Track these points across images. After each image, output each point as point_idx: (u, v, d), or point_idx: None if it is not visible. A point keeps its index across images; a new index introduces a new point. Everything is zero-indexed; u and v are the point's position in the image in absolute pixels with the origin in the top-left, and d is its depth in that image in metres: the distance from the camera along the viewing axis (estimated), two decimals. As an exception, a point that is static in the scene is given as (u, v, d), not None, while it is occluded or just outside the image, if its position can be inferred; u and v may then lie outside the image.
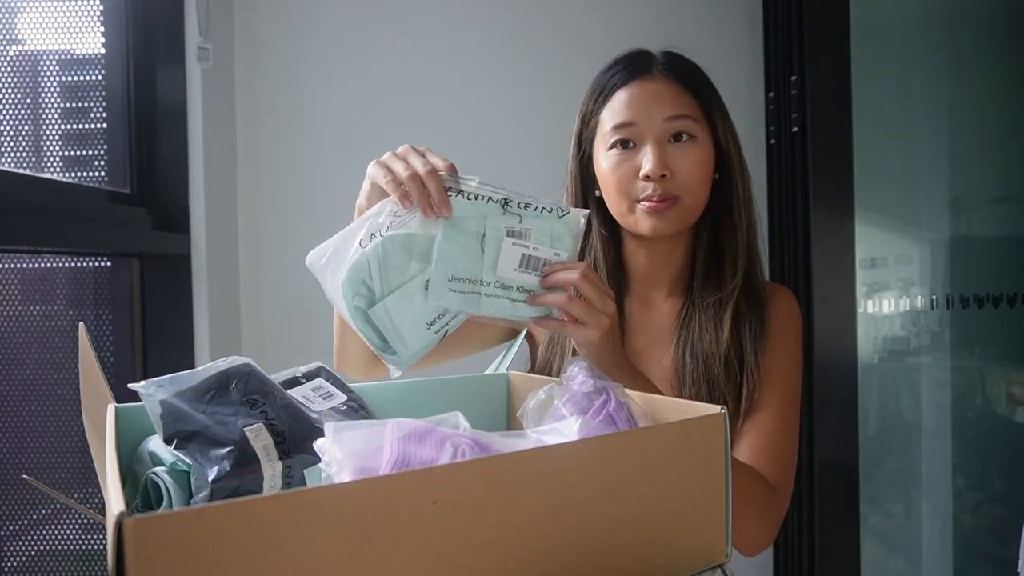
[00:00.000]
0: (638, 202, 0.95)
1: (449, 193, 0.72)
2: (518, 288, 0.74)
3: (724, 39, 1.91)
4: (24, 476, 0.68)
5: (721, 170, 1.00)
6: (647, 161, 0.92)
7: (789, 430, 0.98)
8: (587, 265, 0.76)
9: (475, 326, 1.06)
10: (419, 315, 0.72)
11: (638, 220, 0.96)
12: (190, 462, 0.57)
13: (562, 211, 0.75)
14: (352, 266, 0.70)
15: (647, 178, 0.93)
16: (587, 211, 0.77)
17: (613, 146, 0.96)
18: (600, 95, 0.98)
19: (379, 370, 1.02)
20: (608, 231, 1.03)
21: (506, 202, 0.73)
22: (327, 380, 0.74)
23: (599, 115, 0.98)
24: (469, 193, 0.73)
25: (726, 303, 0.97)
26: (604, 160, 0.97)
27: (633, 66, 0.97)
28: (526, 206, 0.74)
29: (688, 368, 0.96)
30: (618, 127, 0.95)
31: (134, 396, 0.61)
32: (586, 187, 1.03)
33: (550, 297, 0.74)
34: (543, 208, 0.74)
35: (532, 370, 1.07)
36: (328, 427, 0.52)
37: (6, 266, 1.37)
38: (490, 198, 0.73)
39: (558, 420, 0.64)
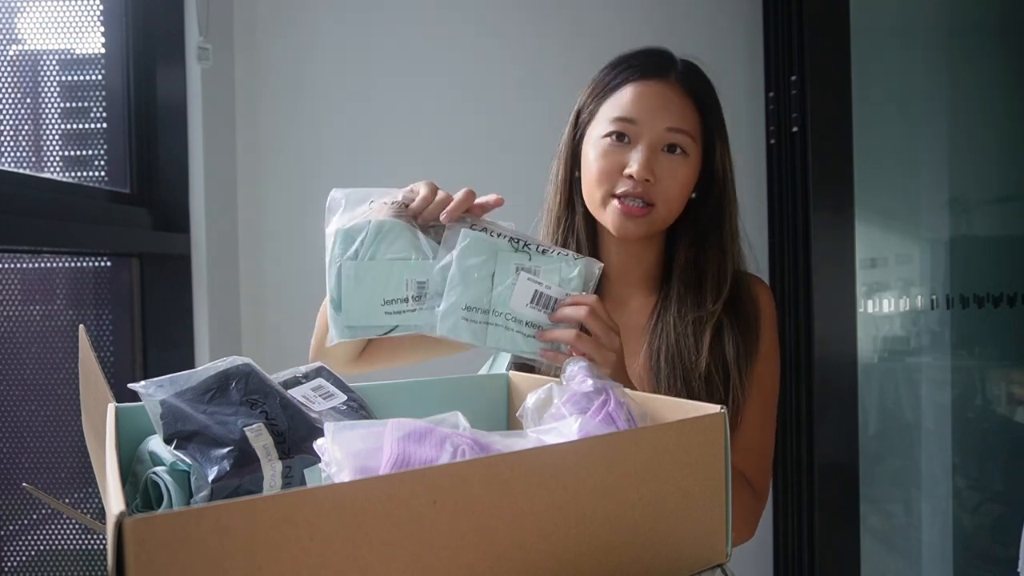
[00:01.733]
0: (614, 196, 0.95)
1: (473, 228, 0.76)
2: (528, 323, 0.77)
3: (724, 39, 1.91)
4: (24, 485, 0.68)
5: (708, 192, 1.00)
6: (635, 162, 0.93)
7: (769, 436, 1.01)
8: (596, 300, 0.77)
9: None
10: (381, 291, 0.74)
11: (607, 215, 0.96)
12: (190, 462, 0.57)
13: (575, 257, 0.78)
14: (354, 222, 0.75)
15: (630, 177, 0.93)
16: (601, 264, 0.79)
17: (608, 135, 0.95)
18: (611, 83, 0.98)
19: (356, 368, 1.02)
20: (589, 217, 1.03)
21: (519, 242, 0.77)
22: (327, 380, 0.74)
23: (604, 102, 0.98)
24: (490, 230, 0.77)
25: (706, 322, 0.97)
26: (594, 146, 0.97)
27: (653, 64, 0.97)
28: (540, 249, 0.77)
29: (664, 374, 0.97)
30: (619, 119, 0.95)
31: (134, 396, 0.61)
32: (574, 166, 1.03)
33: (559, 333, 0.76)
34: (556, 252, 0.78)
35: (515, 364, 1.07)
36: (328, 427, 0.52)
37: (6, 266, 1.37)
38: (509, 237, 0.77)
39: (558, 420, 0.64)
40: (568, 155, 1.03)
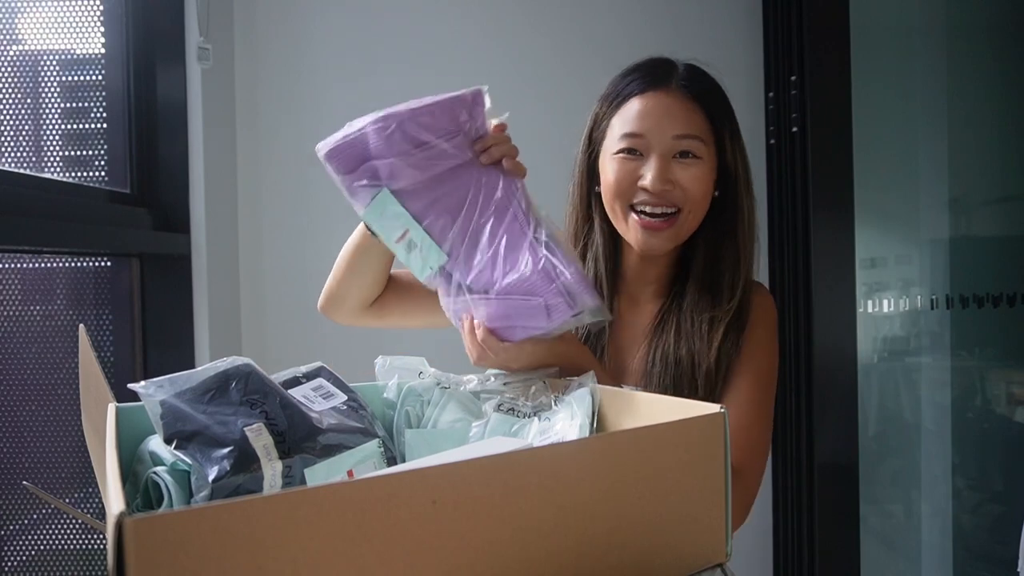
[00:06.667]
0: (633, 209, 0.96)
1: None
2: None
3: (724, 39, 1.91)
4: (24, 483, 0.68)
5: (725, 191, 1.01)
6: (649, 173, 0.94)
7: (761, 418, 0.98)
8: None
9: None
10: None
11: (630, 230, 0.97)
12: (190, 462, 0.57)
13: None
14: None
15: (646, 190, 0.94)
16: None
17: (620, 151, 0.97)
18: (616, 98, 0.99)
19: (368, 316, 1.02)
20: (608, 228, 1.04)
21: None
22: (327, 380, 0.74)
23: (612, 118, 0.99)
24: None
25: (720, 321, 0.98)
26: (609, 163, 0.98)
27: (652, 76, 0.98)
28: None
29: (656, 371, 0.97)
30: (627, 135, 0.96)
31: (134, 396, 0.61)
32: (591, 182, 1.04)
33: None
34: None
35: None
36: None
37: (6, 266, 1.37)
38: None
39: None
40: (585, 171, 1.04)
